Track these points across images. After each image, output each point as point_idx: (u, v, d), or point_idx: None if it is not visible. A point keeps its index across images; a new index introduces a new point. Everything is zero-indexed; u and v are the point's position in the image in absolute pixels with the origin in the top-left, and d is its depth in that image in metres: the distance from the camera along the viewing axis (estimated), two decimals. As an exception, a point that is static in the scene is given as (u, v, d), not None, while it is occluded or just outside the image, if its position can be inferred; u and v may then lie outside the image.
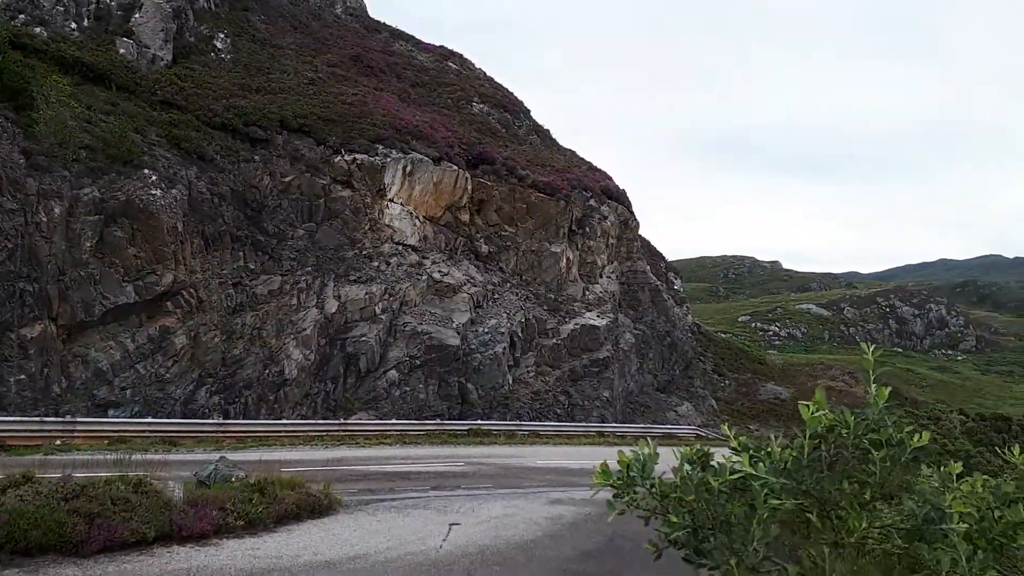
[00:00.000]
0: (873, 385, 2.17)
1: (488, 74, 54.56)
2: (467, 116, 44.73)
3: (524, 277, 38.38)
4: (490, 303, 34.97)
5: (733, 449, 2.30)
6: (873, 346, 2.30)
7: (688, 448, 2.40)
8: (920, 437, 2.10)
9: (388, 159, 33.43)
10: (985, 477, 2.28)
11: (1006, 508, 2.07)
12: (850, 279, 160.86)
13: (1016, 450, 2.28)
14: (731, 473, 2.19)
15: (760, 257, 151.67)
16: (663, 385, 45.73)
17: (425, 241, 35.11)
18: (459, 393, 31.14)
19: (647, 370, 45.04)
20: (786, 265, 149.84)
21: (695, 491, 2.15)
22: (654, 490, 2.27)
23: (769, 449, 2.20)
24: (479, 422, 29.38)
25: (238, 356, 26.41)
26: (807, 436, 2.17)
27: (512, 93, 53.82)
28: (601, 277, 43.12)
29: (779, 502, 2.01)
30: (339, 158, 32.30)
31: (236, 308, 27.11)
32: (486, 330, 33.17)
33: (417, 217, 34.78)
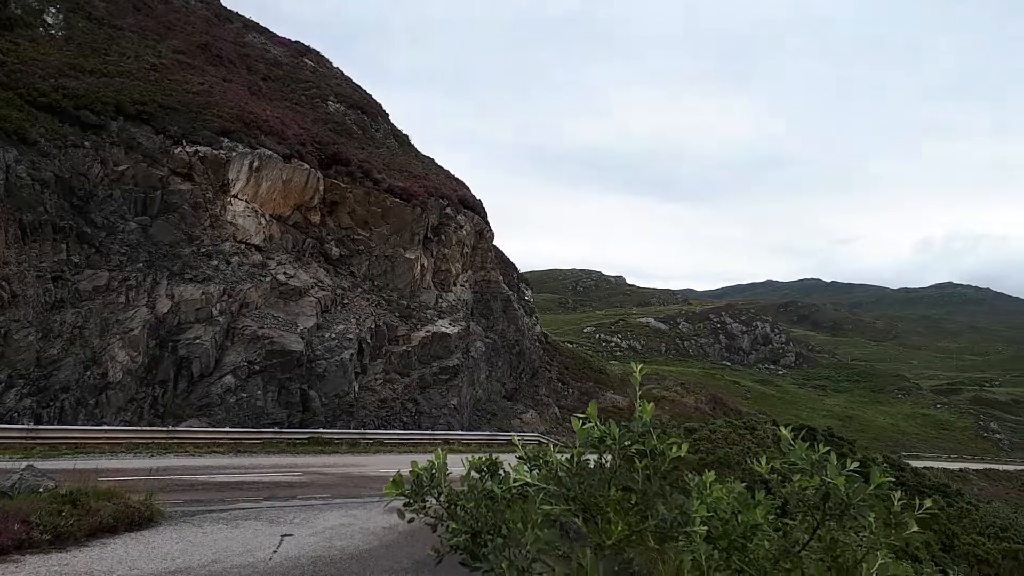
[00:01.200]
0: (639, 401, 2.39)
1: (346, 74, 53.54)
2: (322, 115, 43.66)
3: (376, 282, 37.90)
4: (339, 308, 34.22)
5: (519, 458, 2.45)
6: (641, 365, 2.54)
7: (476, 458, 2.53)
8: (679, 448, 2.34)
9: (234, 153, 31.99)
10: (738, 485, 2.57)
11: (745, 512, 2.35)
12: (687, 296, 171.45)
13: (763, 460, 2.59)
14: (513, 481, 2.33)
15: (607, 272, 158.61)
16: (510, 393, 46.61)
17: (271, 241, 33.84)
18: (301, 400, 30.19)
19: (495, 378, 45.74)
20: (630, 280, 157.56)
21: (478, 498, 2.28)
22: (442, 498, 2.38)
23: (547, 458, 2.37)
24: (321, 431, 28.62)
25: (55, 356, 24.25)
26: (577, 446, 2.36)
27: (370, 95, 53.13)
28: (455, 285, 43.41)
29: (550, 507, 2.18)
30: (180, 149, 30.53)
31: (55, 304, 24.91)
32: (333, 336, 32.42)
33: (263, 215, 33.47)
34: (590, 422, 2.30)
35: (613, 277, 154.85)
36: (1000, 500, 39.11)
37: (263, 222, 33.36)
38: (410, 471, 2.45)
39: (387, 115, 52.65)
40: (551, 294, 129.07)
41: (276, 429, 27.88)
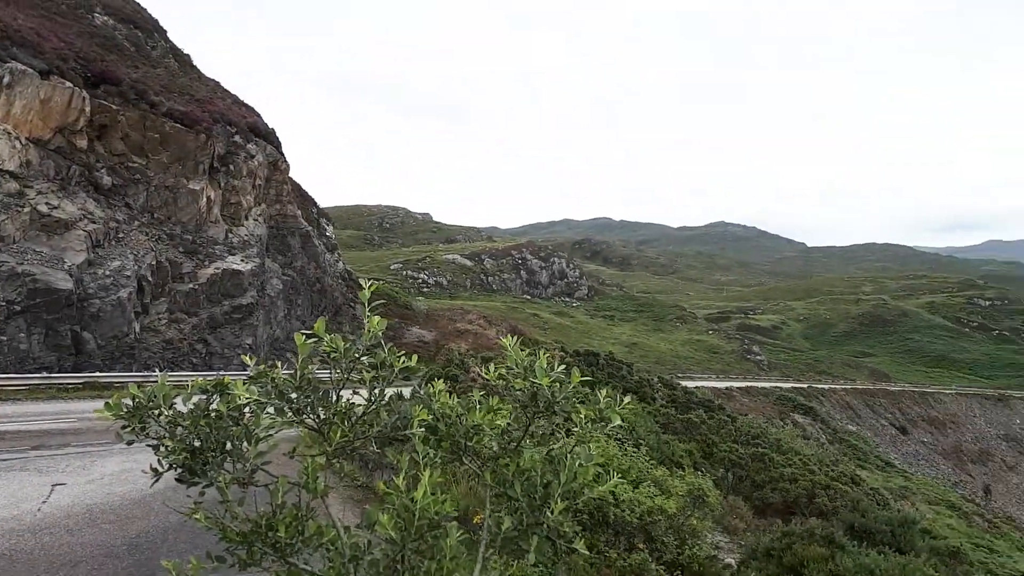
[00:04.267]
0: (367, 316, 2.47)
1: (116, -19, 47.63)
2: (87, 27, 38.74)
3: (157, 215, 34.93)
4: (113, 243, 31.25)
5: (247, 378, 2.44)
6: (372, 283, 2.60)
7: (202, 379, 2.49)
8: (409, 360, 2.46)
9: (-24, 65, 27.66)
10: (477, 393, 2.75)
11: (467, 414, 2.53)
12: (491, 233, 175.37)
13: (492, 368, 2.78)
14: (238, 399, 2.33)
15: (413, 209, 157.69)
16: (311, 331, 45.47)
17: (28, 167, 29.93)
18: (73, 343, 27.51)
19: (295, 316, 44.37)
20: (436, 218, 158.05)
21: (195, 417, 2.26)
22: (162, 419, 2.33)
23: (273, 376, 2.39)
24: (98, 375, 26.36)
25: None
26: (299, 361, 2.41)
27: (145, 9, 47.85)
28: (247, 219, 41.09)
29: (272, 421, 2.22)
30: (-98, 56, 25.85)
31: None
32: (108, 273, 29.64)
33: (18, 139, 29.43)
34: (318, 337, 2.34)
35: (420, 214, 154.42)
36: (755, 413, 44.65)
37: (18, 146, 29.34)
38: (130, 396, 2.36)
39: (164, 31, 47.78)
40: (356, 231, 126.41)
41: (44, 374, 25.27)
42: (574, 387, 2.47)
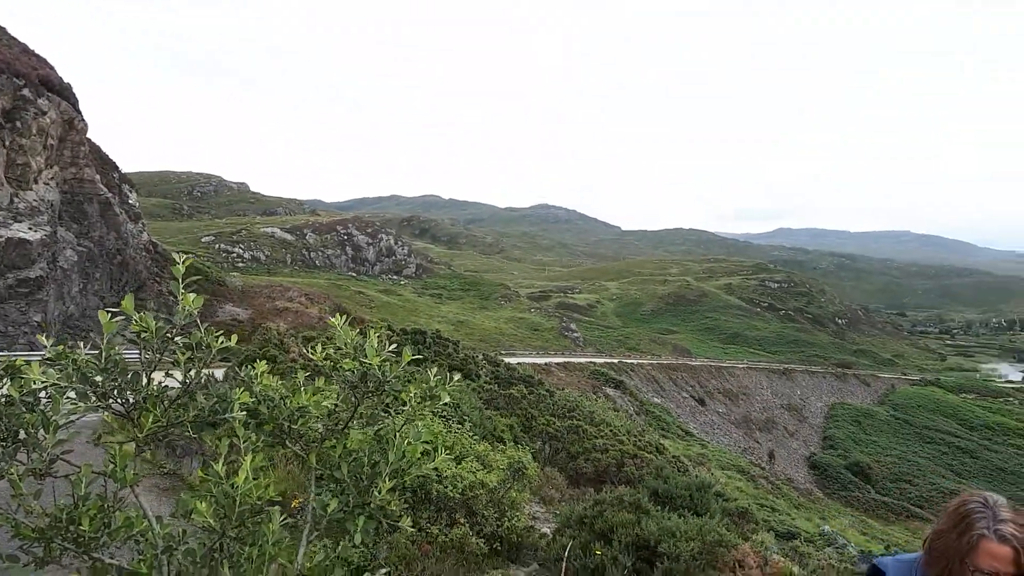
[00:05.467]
0: (182, 292, 2.33)
1: None
2: None
3: (-81, 174, 30.41)
4: None
5: (42, 360, 2.22)
6: (187, 256, 2.45)
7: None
8: (227, 340, 2.35)
9: None
10: (301, 374, 2.67)
11: (291, 397, 2.47)
12: (314, 206, 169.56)
13: (318, 348, 2.73)
14: (32, 383, 2.12)
15: (228, 177, 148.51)
16: (111, 308, 41.72)
17: None
18: None
19: (92, 292, 40.48)
20: (254, 188, 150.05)
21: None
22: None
23: (74, 357, 2.19)
24: None
25: None
26: (104, 341, 2.23)
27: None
28: (37, 183, 36.81)
29: (74, 406, 2.04)
30: None
31: None
32: None
33: None
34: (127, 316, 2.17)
35: (236, 183, 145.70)
36: (572, 387, 46.78)
37: None
38: None
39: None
40: (163, 199, 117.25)
41: None
42: (404, 367, 2.48)
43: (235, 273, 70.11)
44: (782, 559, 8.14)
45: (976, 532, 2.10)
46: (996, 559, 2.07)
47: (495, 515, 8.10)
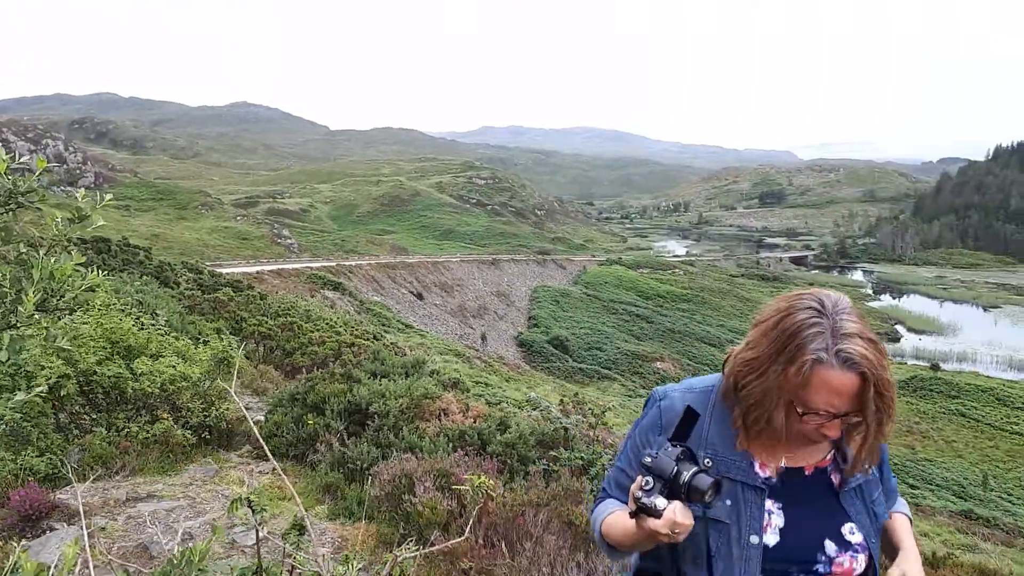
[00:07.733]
0: None
1: None
2: None
3: None
4: None
5: None
6: None
7: None
8: None
9: None
10: None
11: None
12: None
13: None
14: None
15: None
16: None
17: None
18: None
19: None
20: None
21: None
22: None
23: None
24: None
25: None
26: None
27: None
28: None
29: None
30: None
31: None
32: None
33: None
34: None
35: None
36: (286, 292, 45.46)
37: None
38: None
39: None
40: None
41: None
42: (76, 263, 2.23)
43: None
44: (484, 406, 8.96)
45: (809, 357, 1.37)
46: (838, 393, 1.38)
47: (202, 406, 7.85)
